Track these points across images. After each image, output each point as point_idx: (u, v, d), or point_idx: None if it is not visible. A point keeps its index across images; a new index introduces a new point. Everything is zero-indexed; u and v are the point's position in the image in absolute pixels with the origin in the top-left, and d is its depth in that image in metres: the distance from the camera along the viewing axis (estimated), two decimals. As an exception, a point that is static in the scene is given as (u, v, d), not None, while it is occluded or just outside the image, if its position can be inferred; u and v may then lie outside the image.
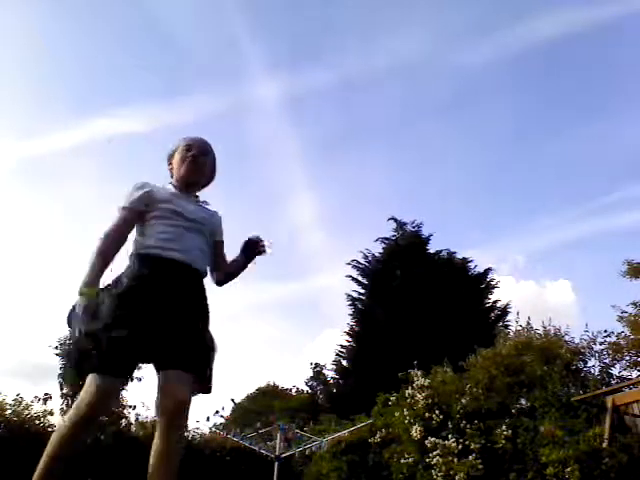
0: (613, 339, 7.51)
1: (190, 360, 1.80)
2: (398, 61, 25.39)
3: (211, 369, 1.92)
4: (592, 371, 7.35)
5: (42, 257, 26.92)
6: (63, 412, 10.76)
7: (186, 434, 12.53)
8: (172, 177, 2.16)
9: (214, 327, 2.00)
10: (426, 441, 6.93)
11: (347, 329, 16.96)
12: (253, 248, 2.23)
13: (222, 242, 2.21)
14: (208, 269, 2.10)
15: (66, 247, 29.47)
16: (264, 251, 2.24)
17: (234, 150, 29.03)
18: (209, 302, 2.02)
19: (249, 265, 2.25)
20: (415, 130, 27.68)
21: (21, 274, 25.10)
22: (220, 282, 2.23)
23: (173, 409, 1.72)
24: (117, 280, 1.87)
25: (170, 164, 2.17)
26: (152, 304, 1.80)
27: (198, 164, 2.10)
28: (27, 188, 26.71)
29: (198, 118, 27.52)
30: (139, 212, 1.95)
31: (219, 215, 2.24)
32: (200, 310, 1.97)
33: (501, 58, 25.06)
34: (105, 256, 1.86)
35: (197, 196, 2.18)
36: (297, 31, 27.30)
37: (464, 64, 23.78)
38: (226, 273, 2.23)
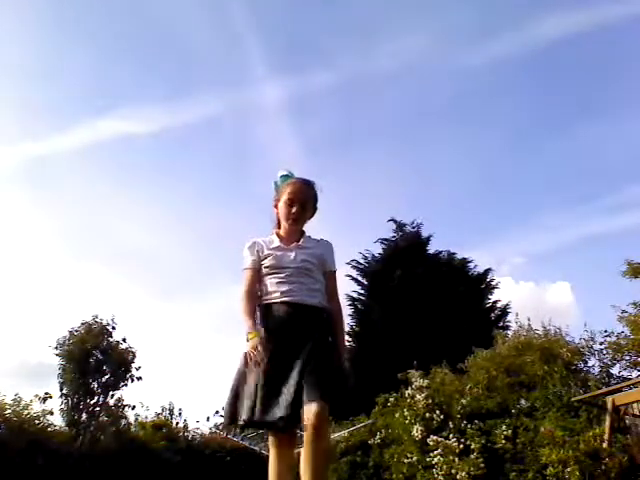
0: (613, 339, 7.49)
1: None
2: (399, 63, 25.38)
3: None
4: (592, 371, 7.34)
5: (43, 258, 26.90)
6: (63, 412, 10.78)
7: (186, 434, 12.55)
8: (276, 218, 2.42)
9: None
10: (428, 439, 6.94)
11: (347, 329, 16.98)
12: None
13: (331, 272, 2.37)
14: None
15: (66, 248, 29.45)
16: None
17: (235, 151, 29.05)
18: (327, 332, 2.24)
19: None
20: (416, 131, 27.67)
21: (21, 275, 25.08)
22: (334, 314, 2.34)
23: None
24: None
25: (275, 204, 2.40)
26: (283, 344, 2.08)
27: (299, 221, 2.36)
28: (28, 190, 26.69)
29: (200, 119, 27.55)
30: (257, 269, 2.27)
31: (326, 244, 2.42)
32: (318, 338, 2.15)
33: (503, 59, 25.04)
34: (248, 313, 2.15)
35: (302, 232, 2.40)
36: (299, 32, 27.28)
37: (466, 65, 23.75)
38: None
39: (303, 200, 2.34)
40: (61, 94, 27.26)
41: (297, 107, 28.16)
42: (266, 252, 2.28)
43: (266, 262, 2.25)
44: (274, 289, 2.20)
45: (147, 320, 27.00)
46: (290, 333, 2.10)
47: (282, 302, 2.17)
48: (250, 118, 27.55)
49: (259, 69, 25.89)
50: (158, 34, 25.47)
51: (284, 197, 2.34)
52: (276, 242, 2.33)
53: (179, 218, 28.58)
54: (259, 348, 1.97)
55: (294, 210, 2.31)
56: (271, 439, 2.13)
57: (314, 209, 2.43)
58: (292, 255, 2.26)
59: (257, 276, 2.26)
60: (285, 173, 2.42)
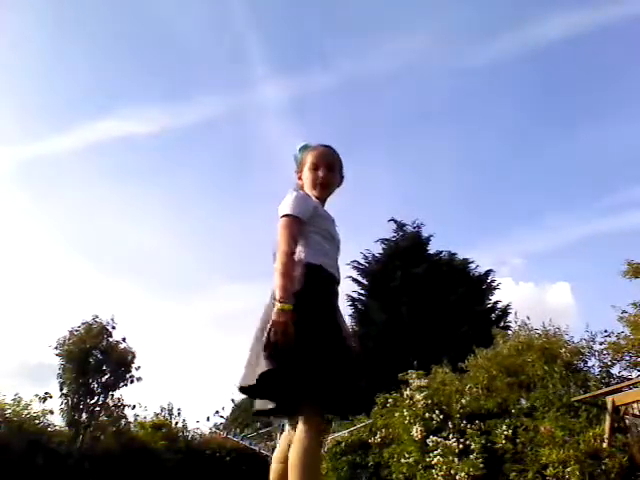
0: (613, 339, 7.48)
1: None
2: (399, 63, 25.42)
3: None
4: (592, 371, 7.33)
5: (42, 258, 26.89)
6: (63, 412, 10.77)
7: (186, 434, 12.55)
8: (303, 186, 2.17)
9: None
10: (428, 440, 6.93)
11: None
12: None
13: None
14: None
15: (66, 248, 29.46)
16: None
17: (236, 151, 29.05)
18: None
19: None
20: (417, 131, 27.70)
21: (21, 275, 25.08)
22: None
23: None
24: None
25: (299, 176, 2.20)
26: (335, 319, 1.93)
27: (328, 185, 2.14)
28: (28, 190, 26.70)
29: (200, 120, 27.53)
30: (303, 224, 1.95)
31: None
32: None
33: (503, 60, 25.08)
34: (289, 274, 1.80)
35: None
36: (300, 33, 27.33)
37: (466, 65, 23.78)
38: None
39: (329, 163, 2.14)
40: (61, 95, 27.30)
41: (297, 107, 28.20)
42: (322, 212, 2.05)
43: (322, 224, 2.01)
44: (325, 256, 1.97)
45: (147, 320, 27.03)
46: (337, 311, 1.98)
47: (332, 275, 1.97)
48: (250, 118, 27.57)
49: (260, 69, 25.95)
50: (158, 35, 25.49)
51: (308, 163, 2.13)
52: (322, 207, 2.10)
53: (179, 218, 28.62)
54: (290, 329, 1.66)
55: (321, 174, 2.10)
56: (319, 421, 1.80)
57: (342, 176, 2.22)
58: (335, 229, 2.10)
59: (300, 231, 1.93)
60: (305, 144, 2.21)
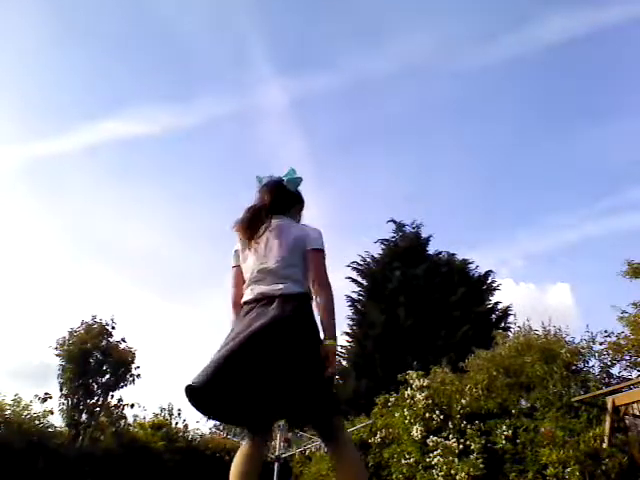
0: (613, 339, 7.48)
1: None
2: (400, 65, 25.42)
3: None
4: (592, 371, 7.32)
5: (43, 258, 26.88)
6: (63, 412, 10.76)
7: (186, 434, 12.54)
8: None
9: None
10: (428, 440, 6.93)
11: (347, 330, 16.97)
12: None
13: None
14: None
15: (67, 247, 29.45)
16: None
17: (238, 152, 29.05)
18: None
19: None
20: (417, 132, 27.72)
21: (22, 275, 25.06)
22: None
23: None
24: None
25: (299, 209, 2.32)
26: None
27: None
28: (31, 190, 26.70)
29: (202, 120, 27.54)
30: None
31: None
32: None
33: (504, 61, 25.09)
34: None
35: None
36: (302, 35, 27.36)
37: (467, 67, 23.82)
38: None
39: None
40: (64, 95, 27.30)
41: (299, 108, 28.21)
42: None
43: None
44: None
45: (147, 320, 27.02)
46: None
47: None
48: (253, 119, 27.59)
49: (262, 70, 25.95)
50: (160, 35, 25.49)
51: (303, 208, 2.36)
52: None
53: (181, 218, 28.62)
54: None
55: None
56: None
57: None
58: None
59: None
60: (299, 177, 2.31)
